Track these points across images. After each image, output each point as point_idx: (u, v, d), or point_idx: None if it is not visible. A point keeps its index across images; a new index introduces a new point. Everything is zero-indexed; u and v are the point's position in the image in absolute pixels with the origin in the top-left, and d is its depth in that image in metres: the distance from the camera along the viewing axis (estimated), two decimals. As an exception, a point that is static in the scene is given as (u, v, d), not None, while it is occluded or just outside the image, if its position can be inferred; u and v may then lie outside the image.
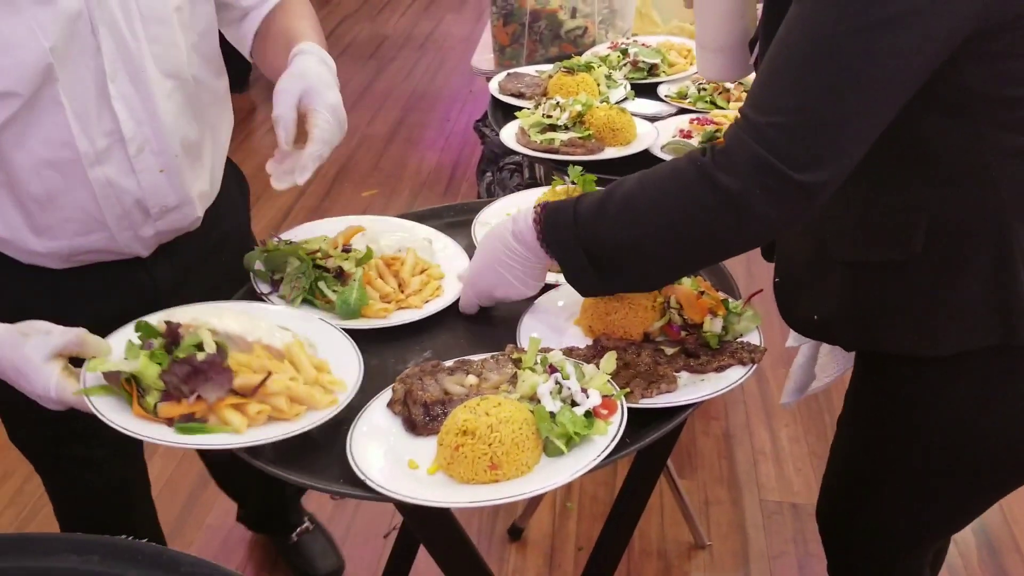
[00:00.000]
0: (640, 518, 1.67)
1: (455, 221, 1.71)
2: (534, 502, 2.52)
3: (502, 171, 3.62)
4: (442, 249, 1.58)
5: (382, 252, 1.51)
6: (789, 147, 1.05)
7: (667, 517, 2.58)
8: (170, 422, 1.15)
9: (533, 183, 3.31)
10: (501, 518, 2.58)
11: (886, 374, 1.35)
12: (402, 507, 1.24)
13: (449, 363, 1.29)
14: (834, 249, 1.28)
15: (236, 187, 1.75)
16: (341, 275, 1.43)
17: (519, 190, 3.71)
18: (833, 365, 1.61)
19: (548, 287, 1.47)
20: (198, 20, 1.45)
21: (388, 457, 1.15)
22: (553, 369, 1.17)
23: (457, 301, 1.45)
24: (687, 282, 1.38)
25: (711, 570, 2.45)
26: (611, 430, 1.12)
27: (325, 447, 1.18)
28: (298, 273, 1.43)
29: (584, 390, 1.15)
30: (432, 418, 1.20)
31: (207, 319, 1.23)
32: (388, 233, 1.57)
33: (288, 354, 1.23)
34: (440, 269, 1.53)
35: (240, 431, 1.14)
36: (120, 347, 1.25)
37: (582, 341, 1.37)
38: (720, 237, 1.15)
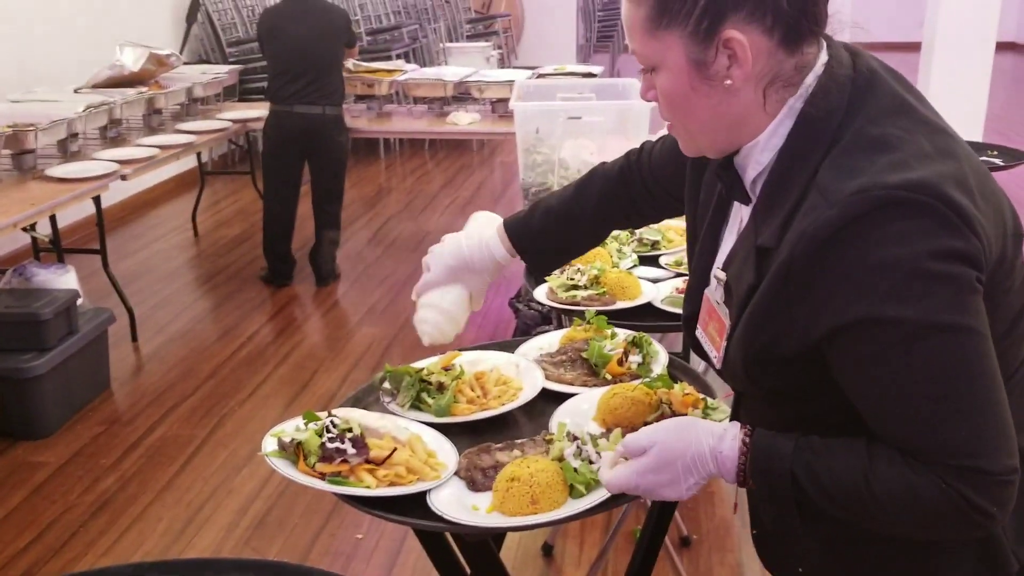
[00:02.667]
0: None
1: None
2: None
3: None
4: (526, 371, 2.06)
5: (475, 372, 2.01)
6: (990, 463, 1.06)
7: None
8: (323, 476, 1.62)
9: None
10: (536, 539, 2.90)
11: None
12: (460, 540, 1.67)
13: (499, 445, 1.75)
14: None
15: None
16: (441, 387, 1.92)
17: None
18: None
19: (569, 395, 1.94)
20: None
21: (457, 504, 1.59)
22: (575, 437, 1.63)
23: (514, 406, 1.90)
24: (677, 387, 1.85)
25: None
26: (618, 477, 1.56)
27: (413, 503, 1.62)
28: (409, 386, 1.92)
29: (597, 453, 1.60)
30: (488, 478, 1.64)
31: (353, 416, 1.72)
32: (485, 360, 2.08)
33: (408, 443, 1.70)
34: (520, 382, 2.00)
35: (371, 487, 1.60)
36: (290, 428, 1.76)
37: (598, 431, 1.82)
38: (947, 533, 1.15)
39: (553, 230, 1.65)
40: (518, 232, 1.67)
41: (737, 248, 1.27)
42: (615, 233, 2.97)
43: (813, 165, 1.12)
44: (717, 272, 1.32)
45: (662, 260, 2.84)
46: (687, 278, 2.59)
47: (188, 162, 7.61)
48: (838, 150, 1.10)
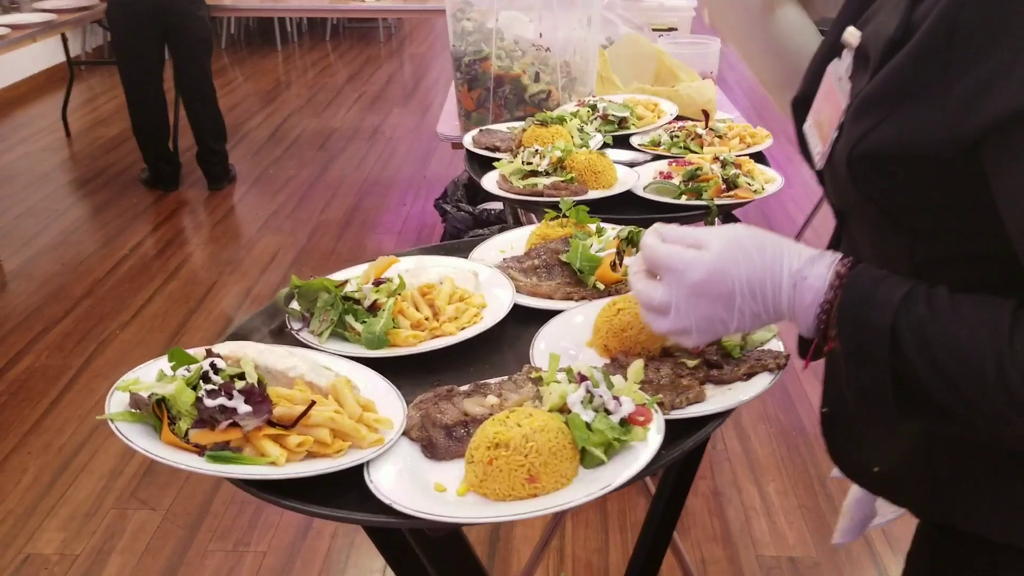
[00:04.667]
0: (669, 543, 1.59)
1: (446, 261, 1.66)
2: (529, 568, 2.40)
3: (466, 244, 3.60)
4: (489, 281, 1.52)
5: (420, 284, 1.45)
6: None
7: (664, 580, 2.48)
8: (202, 450, 1.06)
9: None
10: (492, 591, 2.46)
11: (967, 559, 1.00)
12: (422, 540, 1.14)
13: (464, 387, 1.22)
14: None
15: None
16: (373, 308, 1.37)
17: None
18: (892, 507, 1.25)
19: (554, 313, 1.42)
20: None
21: (412, 483, 1.06)
22: (583, 378, 1.11)
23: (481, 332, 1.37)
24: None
25: (715, 631, 2.34)
26: (651, 436, 1.05)
27: (341, 478, 1.09)
28: (327, 306, 1.36)
29: (616, 398, 1.09)
30: (455, 440, 1.12)
31: (247, 353, 1.16)
32: (431, 269, 1.51)
33: (333, 391, 1.15)
34: (482, 298, 1.47)
35: (279, 463, 1.05)
36: (149, 375, 1.18)
37: (598, 361, 1.31)
38: None
39: None
40: None
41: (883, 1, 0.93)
42: (572, 108, 2.43)
43: None
44: (849, 34, 0.95)
45: (634, 140, 2.31)
46: (672, 159, 2.11)
47: (57, 54, 6.71)
48: None
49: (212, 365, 1.12)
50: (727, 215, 1.92)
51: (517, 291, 1.49)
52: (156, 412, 1.10)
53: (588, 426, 1.05)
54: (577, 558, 2.55)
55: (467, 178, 4.07)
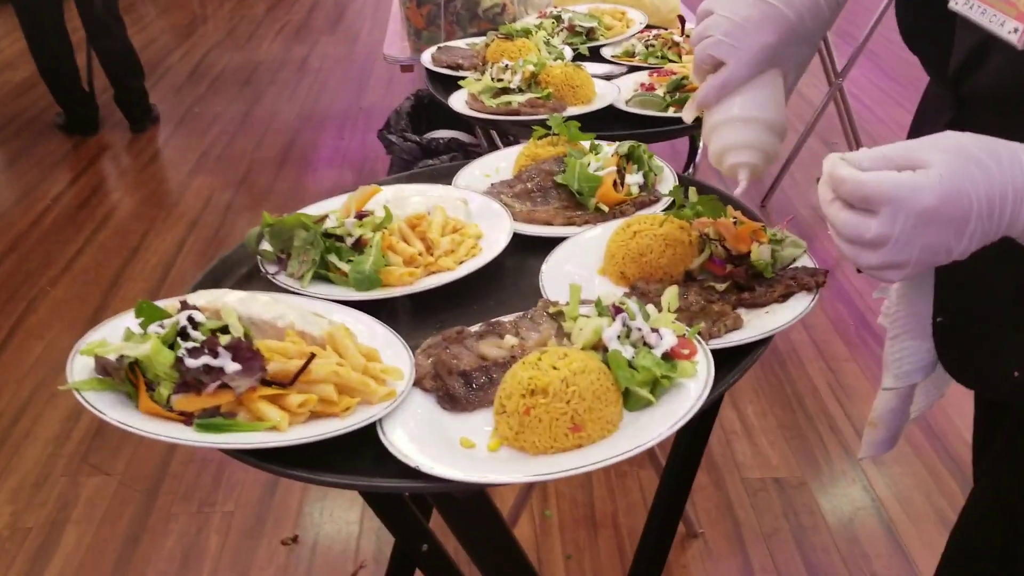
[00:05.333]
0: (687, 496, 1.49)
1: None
2: (513, 513, 2.31)
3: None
4: (481, 209, 1.37)
5: (408, 215, 1.30)
6: None
7: (651, 510, 2.41)
8: (188, 419, 0.91)
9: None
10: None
11: None
12: (447, 504, 1.02)
13: (475, 328, 1.09)
14: None
15: None
16: (358, 245, 1.21)
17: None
18: (924, 397, 1.20)
19: (560, 240, 1.29)
20: None
21: (435, 440, 0.93)
22: (617, 310, 0.98)
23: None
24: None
25: (708, 558, 2.29)
26: (701, 369, 0.94)
27: (350, 439, 0.95)
28: (306, 245, 1.21)
29: (655, 330, 0.97)
30: (477, 389, 0.99)
31: (226, 301, 1.00)
32: (415, 197, 1.36)
33: (331, 341, 1.00)
34: (477, 227, 1.33)
35: (282, 428, 0.91)
36: (115, 335, 1.01)
37: (614, 290, 1.19)
38: None
39: None
40: None
41: None
42: (536, 20, 2.26)
43: None
44: None
45: (606, 52, 2.16)
46: (652, 70, 1.96)
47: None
48: None
49: (189, 319, 0.97)
50: (715, 127, 1.79)
51: (513, 219, 1.35)
52: (130, 377, 0.94)
53: (630, 363, 0.93)
54: (561, 495, 2.47)
55: (410, 106, 3.87)
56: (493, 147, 2.06)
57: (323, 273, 1.22)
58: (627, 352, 0.94)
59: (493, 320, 1.09)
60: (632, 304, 1.00)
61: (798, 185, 4.00)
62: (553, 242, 1.29)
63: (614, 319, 0.97)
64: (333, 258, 1.21)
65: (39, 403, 2.88)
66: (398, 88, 5.26)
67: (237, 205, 4.10)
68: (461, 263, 1.24)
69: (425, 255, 1.24)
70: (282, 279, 1.23)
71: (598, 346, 0.97)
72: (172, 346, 0.95)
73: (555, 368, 0.91)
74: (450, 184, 1.47)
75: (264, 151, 4.63)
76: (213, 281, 1.25)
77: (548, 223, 1.36)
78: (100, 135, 4.88)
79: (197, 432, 0.90)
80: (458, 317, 1.16)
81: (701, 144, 1.91)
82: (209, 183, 4.32)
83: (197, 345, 0.94)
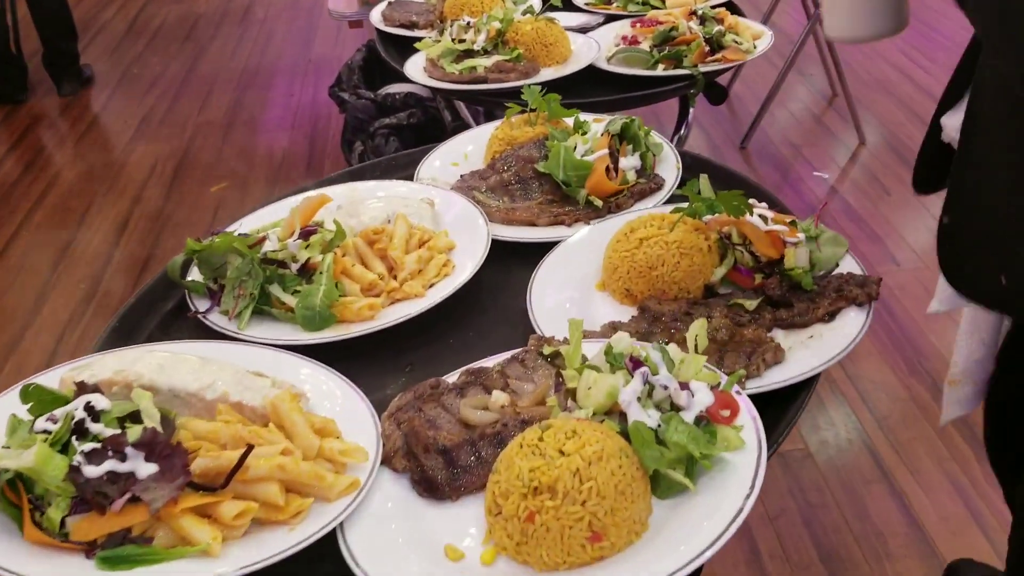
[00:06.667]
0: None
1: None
2: None
3: (375, 137, 3.16)
4: (450, 211, 1.14)
5: (365, 228, 1.07)
6: None
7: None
8: (90, 550, 0.69)
9: (419, 143, 2.87)
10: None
11: None
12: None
13: (454, 378, 0.87)
14: None
15: None
16: (305, 270, 0.99)
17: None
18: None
19: (551, 244, 1.07)
20: None
21: (411, 545, 0.73)
22: (636, 363, 0.77)
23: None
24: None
25: (713, 546, 2.13)
26: (750, 438, 0.73)
27: (306, 553, 0.74)
28: (241, 276, 0.97)
29: (684, 385, 0.76)
30: (462, 469, 0.78)
31: (140, 370, 0.78)
32: (372, 201, 1.12)
33: (273, 413, 0.78)
34: (448, 237, 1.10)
35: (213, 552, 0.69)
36: None
37: (618, 310, 0.98)
38: None
39: None
40: None
41: None
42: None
43: None
44: None
45: (578, 1, 1.91)
46: (633, 19, 1.70)
47: None
48: None
49: (88, 408, 0.74)
50: (709, 84, 1.57)
51: (489, 219, 1.13)
52: (10, 497, 0.72)
53: (657, 436, 0.73)
54: None
55: (362, 59, 3.59)
56: (457, 118, 1.82)
57: (264, 309, 0.99)
58: (651, 419, 0.73)
59: (475, 367, 0.88)
60: (655, 353, 0.78)
61: (777, 122, 3.79)
62: (538, 248, 1.07)
63: (632, 375, 0.76)
64: (275, 289, 0.99)
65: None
66: (348, 38, 4.94)
67: (186, 173, 3.81)
68: (431, 286, 1.02)
69: (387, 278, 1.01)
70: (214, 318, 1.00)
71: (613, 409, 0.76)
72: (66, 448, 0.73)
73: (563, 453, 0.70)
74: (411, 178, 1.24)
75: (209, 113, 4.32)
76: (130, 325, 1.02)
77: (531, 223, 1.13)
78: (31, 102, 4.54)
79: (100, 569, 0.68)
80: (431, 357, 0.95)
81: (691, 109, 1.68)
82: (152, 151, 4.03)
83: (98, 446, 0.72)
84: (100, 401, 0.75)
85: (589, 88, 1.55)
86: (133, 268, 3.21)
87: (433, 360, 0.94)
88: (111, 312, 2.98)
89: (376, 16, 1.86)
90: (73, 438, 0.73)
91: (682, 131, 1.70)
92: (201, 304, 1.03)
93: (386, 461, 0.80)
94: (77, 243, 3.41)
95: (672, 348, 0.82)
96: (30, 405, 0.78)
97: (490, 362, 0.89)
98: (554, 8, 1.86)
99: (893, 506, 2.16)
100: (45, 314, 3.00)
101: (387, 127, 3.13)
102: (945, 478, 2.22)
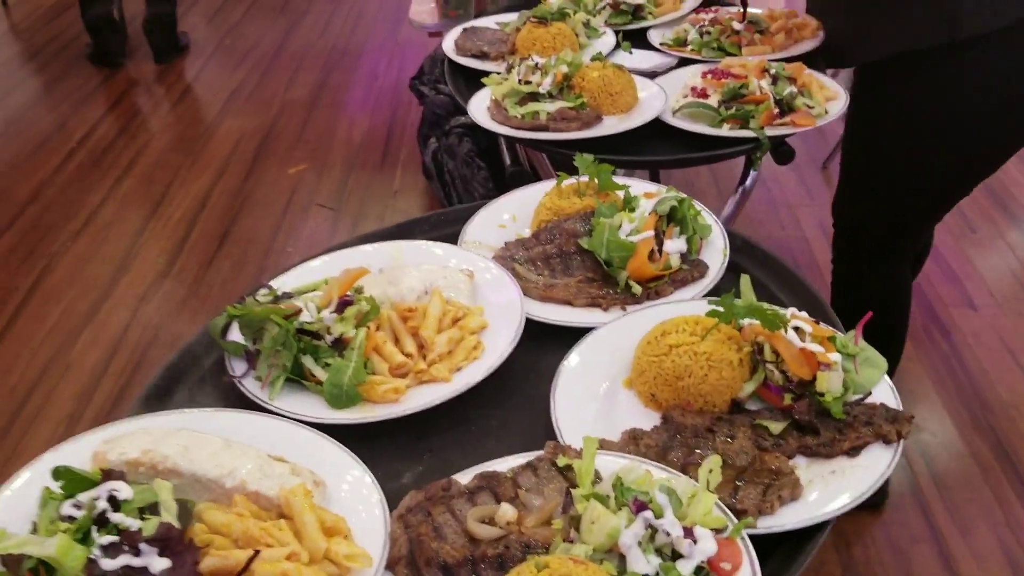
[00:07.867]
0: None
1: (436, 236, 1.28)
2: None
3: (449, 135, 3.17)
4: (488, 283, 1.14)
5: (403, 298, 1.09)
6: None
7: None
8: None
9: (491, 148, 2.88)
10: None
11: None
12: None
13: (467, 480, 0.88)
14: None
15: None
16: (339, 344, 1.01)
17: (471, 157, 3.28)
18: None
19: (585, 330, 1.07)
20: None
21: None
22: (640, 505, 0.77)
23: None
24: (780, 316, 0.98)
25: None
26: (745, 598, 0.73)
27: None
28: (276, 345, 1.00)
29: (688, 531, 0.76)
30: (464, 591, 0.79)
31: (166, 452, 0.82)
32: (410, 272, 1.13)
33: (286, 507, 0.82)
34: (482, 315, 1.10)
35: None
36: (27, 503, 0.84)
37: (643, 414, 0.97)
38: None
39: None
40: None
41: None
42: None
43: None
44: None
45: (653, 38, 1.88)
46: (704, 67, 1.66)
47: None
48: None
49: (111, 499, 0.78)
50: (776, 146, 1.52)
51: (525, 294, 1.13)
52: (31, 588, 0.76)
53: (651, 586, 0.73)
54: None
55: (447, 51, 3.60)
56: (515, 158, 1.81)
57: (295, 379, 1.02)
58: (651, 566, 0.73)
59: (489, 471, 0.89)
60: (660, 496, 0.78)
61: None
62: (571, 333, 1.07)
63: (635, 516, 0.76)
64: (308, 360, 1.01)
65: (54, 375, 2.76)
66: (439, 20, 4.94)
67: (268, 153, 3.89)
68: (458, 370, 1.03)
69: (416, 358, 1.03)
70: (248, 384, 1.03)
71: (613, 549, 0.76)
72: (86, 536, 0.77)
73: (552, 602, 0.70)
74: (458, 235, 1.25)
75: (295, 91, 4.38)
76: (167, 384, 1.06)
77: (568, 303, 1.13)
78: (129, 67, 4.67)
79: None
80: (451, 443, 0.96)
81: (753, 173, 1.64)
82: (238, 126, 4.11)
83: (116, 539, 0.75)
84: (123, 490, 0.79)
85: (651, 140, 1.53)
86: (209, 246, 3.29)
87: (452, 447, 0.95)
88: (185, 290, 3.08)
89: (449, 45, 1.86)
90: (94, 528, 0.76)
91: (747, 183, 1.66)
92: (238, 366, 1.05)
93: (391, 566, 0.82)
94: (159, 216, 3.52)
95: (683, 482, 0.81)
96: (61, 484, 0.83)
97: (504, 465, 0.90)
98: (628, 37, 1.82)
99: (939, 569, 2.11)
100: (123, 286, 3.11)
101: (462, 126, 3.13)
102: (999, 546, 2.15)
